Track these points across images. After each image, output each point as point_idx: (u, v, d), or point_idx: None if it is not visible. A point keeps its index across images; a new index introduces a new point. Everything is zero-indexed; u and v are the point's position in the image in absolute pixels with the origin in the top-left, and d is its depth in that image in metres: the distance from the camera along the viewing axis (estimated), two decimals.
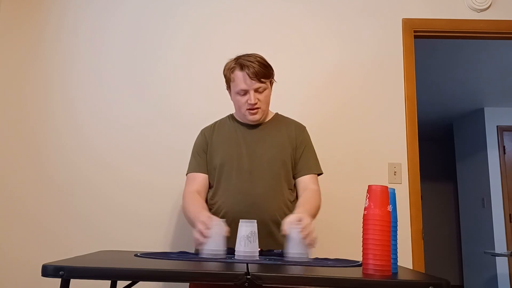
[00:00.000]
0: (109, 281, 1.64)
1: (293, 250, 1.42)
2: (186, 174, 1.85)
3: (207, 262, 1.29)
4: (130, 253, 1.54)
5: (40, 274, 1.08)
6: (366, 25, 2.58)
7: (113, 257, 1.37)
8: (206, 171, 1.82)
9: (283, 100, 2.32)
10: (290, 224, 1.44)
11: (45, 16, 2.57)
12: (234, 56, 1.78)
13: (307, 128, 1.91)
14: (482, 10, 2.60)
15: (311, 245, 1.45)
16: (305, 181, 1.79)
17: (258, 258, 1.39)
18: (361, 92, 2.52)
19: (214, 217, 1.51)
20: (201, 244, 1.44)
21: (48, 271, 1.06)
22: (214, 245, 1.41)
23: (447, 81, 4.69)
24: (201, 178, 1.81)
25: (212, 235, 1.42)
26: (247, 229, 1.40)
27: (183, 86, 2.50)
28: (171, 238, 2.33)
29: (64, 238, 2.34)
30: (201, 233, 1.43)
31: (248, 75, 1.70)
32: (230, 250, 1.46)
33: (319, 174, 1.84)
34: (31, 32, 2.55)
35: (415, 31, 2.58)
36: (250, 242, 1.38)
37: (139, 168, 2.40)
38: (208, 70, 2.50)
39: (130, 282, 1.66)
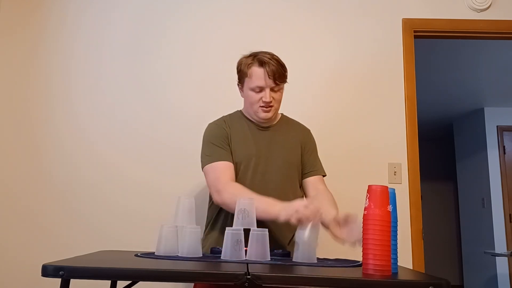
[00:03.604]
0: (109, 281, 1.64)
1: (301, 255, 1.38)
2: (206, 164, 1.70)
3: (207, 262, 1.29)
4: (130, 253, 1.54)
5: (40, 274, 1.08)
6: (366, 25, 2.58)
7: (113, 257, 1.36)
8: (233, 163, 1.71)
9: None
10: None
11: (45, 16, 2.56)
12: (236, 53, 1.77)
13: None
14: (482, 10, 2.60)
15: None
16: (314, 181, 1.81)
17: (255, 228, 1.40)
18: (361, 92, 2.51)
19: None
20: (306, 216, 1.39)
21: (48, 271, 1.06)
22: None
23: (447, 81, 4.69)
24: (233, 169, 1.69)
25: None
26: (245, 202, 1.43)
27: (183, 86, 2.50)
28: None
29: (64, 238, 2.33)
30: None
31: (268, 73, 1.67)
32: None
33: (323, 176, 1.88)
34: (31, 32, 2.55)
35: (415, 31, 2.58)
36: (248, 216, 1.40)
37: (139, 167, 2.40)
38: (208, 69, 2.50)
39: (130, 282, 1.66)
